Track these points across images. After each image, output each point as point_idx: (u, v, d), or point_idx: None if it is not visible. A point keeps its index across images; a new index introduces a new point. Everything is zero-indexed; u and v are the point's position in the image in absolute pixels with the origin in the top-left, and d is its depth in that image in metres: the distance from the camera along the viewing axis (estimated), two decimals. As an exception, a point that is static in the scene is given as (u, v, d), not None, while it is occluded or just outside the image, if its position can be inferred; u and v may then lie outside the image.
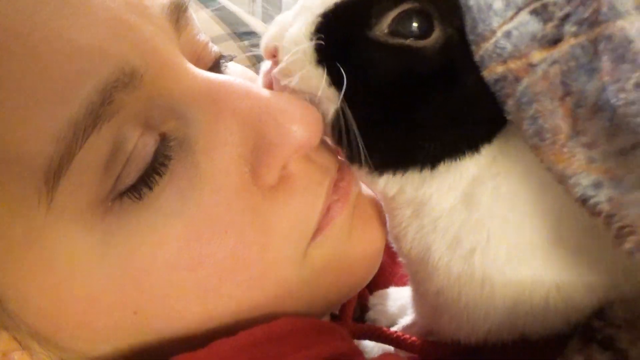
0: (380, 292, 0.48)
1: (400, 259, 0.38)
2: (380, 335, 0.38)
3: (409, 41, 0.28)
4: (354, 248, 0.34)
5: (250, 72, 0.40)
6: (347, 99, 0.29)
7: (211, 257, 0.29)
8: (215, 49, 0.36)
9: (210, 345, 0.28)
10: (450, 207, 0.30)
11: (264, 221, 0.30)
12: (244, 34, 0.77)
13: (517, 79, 0.25)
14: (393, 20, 0.28)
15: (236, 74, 0.37)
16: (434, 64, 0.28)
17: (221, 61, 0.36)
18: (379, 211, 0.37)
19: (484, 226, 0.30)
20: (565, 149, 0.24)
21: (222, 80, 0.31)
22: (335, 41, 0.30)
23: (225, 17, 0.78)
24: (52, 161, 0.25)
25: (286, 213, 0.31)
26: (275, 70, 0.31)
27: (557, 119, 0.24)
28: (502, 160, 0.30)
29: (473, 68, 0.28)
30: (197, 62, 0.33)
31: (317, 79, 0.30)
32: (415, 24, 0.28)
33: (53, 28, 0.25)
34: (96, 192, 0.27)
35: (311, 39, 0.30)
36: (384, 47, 0.29)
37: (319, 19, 0.30)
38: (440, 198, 0.31)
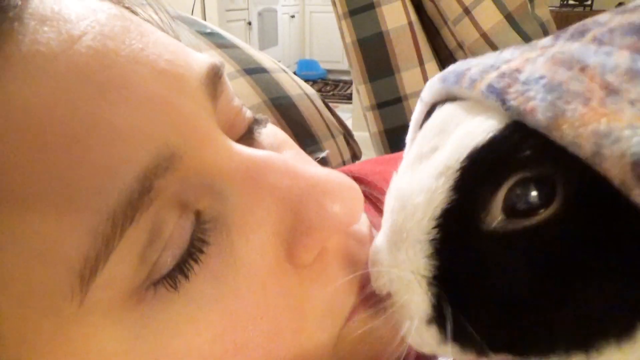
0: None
1: None
2: None
3: (529, 220, 0.22)
4: (387, 329, 0.32)
5: (280, 133, 0.38)
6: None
7: (245, 346, 0.27)
8: (248, 114, 0.35)
9: None
10: None
11: (298, 305, 0.29)
12: (253, 70, 0.77)
13: None
14: (505, 201, 0.22)
15: (267, 135, 0.36)
16: (566, 237, 0.22)
17: (254, 127, 0.34)
18: None
19: None
20: None
21: (261, 156, 0.30)
22: (450, 261, 0.24)
23: (235, 55, 0.78)
24: (89, 257, 0.23)
25: (321, 295, 0.29)
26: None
27: None
28: None
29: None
30: (231, 129, 0.32)
31: (432, 341, 0.25)
32: (531, 194, 0.22)
33: (93, 112, 0.24)
34: (131, 283, 0.25)
35: (430, 301, 0.25)
36: (506, 240, 0.23)
37: (432, 262, 0.25)
38: None
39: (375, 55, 1.07)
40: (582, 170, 0.21)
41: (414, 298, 0.25)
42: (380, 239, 0.28)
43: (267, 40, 4.58)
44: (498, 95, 0.23)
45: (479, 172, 0.23)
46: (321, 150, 0.79)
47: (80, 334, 0.24)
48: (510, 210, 0.23)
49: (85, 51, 0.25)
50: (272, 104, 0.76)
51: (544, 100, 0.21)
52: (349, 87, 4.62)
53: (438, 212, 0.24)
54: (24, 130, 0.23)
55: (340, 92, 4.66)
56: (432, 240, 0.24)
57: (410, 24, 1.05)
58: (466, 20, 1.06)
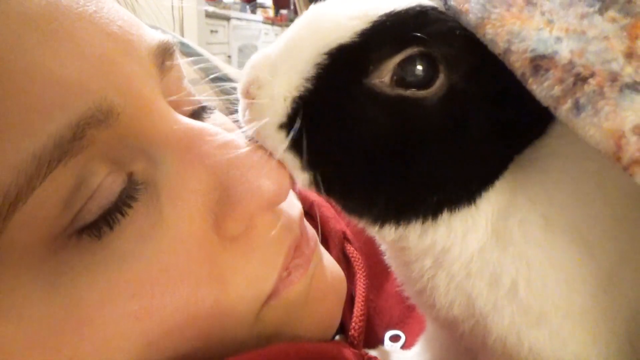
0: (382, 349, 0.44)
1: (428, 317, 0.35)
2: None
3: (410, 92, 0.26)
4: (307, 318, 0.33)
5: (228, 122, 0.39)
6: (327, 156, 0.27)
7: (162, 308, 0.27)
8: (197, 99, 0.36)
9: None
10: (480, 247, 0.28)
11: (221, 274, 0.29)
12: (218, 79, 0.78)
13: None
14: (397, 66, 0.26)
15: (214, 121, 0.36)
16: (434, 116, 0.26)
17: (201, 112, 0.36)
18: (340, 287, 0.36)
19: (522, 256, 0.27)
20: None
21: (199, 127, 0.31)
22: (323, 91, 0.27)
23: (200, 64, 0.79)
24: (9, 193, 0.23)
25: (244, 268, 0.30)
26: (240, 114, 0.29)
27: None
28: (522, 189, 0.28)
29: (483, 105, 0.26)
30: (177, 107, 0.33)
31: (276, 142, 0.28)
32: (419, 68, 0.26)
33: (35, 57, 0.24)
34: (52, 227, 0.25)
35: (292, 98, 0.27)
36: (380, 99, 0.26)
37: (306, 78, 0.27)
38: (464, 242, 0.28)
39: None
40: (472, 66, 0.25)
41: (275, 104, 0.27)
42: (273, 48, 0.29)
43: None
44: None
45: (389, 30, 0.26)
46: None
47: None
48: (397, 77, 0.26)
49: (37, 1, 0.25)
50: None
51: (477, 3, 0.25)
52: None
53: (335, 44, 0.26)
54: None
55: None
56: (317, 64, 0.27)
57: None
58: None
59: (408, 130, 0.26)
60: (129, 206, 0.27)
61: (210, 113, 0.37)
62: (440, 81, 0.26)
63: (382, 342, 0.45)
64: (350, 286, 0.43)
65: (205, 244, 0.29)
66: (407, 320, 0.45)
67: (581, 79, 0.22)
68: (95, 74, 0.26)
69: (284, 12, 5.45)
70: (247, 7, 5.05)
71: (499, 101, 0.27)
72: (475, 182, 0.28)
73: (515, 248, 0.27)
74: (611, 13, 0.23)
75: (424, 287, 0.30)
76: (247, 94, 0.28)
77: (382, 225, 0.29)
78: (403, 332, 0.45)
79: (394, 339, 0.44)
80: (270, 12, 5.34)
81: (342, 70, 0.27)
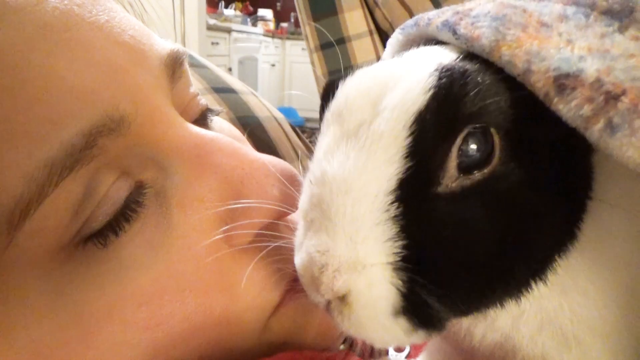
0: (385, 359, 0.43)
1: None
2: None
3: (478, 175, 0.22)
4: (314, 328, 0.33)
5: (235, 130, 0.40)
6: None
7: (170, 317, 0.27)
8: (202, 101, 0.36)
9: None
10: (534, 297, 0.25)
11: (229, 283, 0.29)
12: (222, 89, 0.78)
13: None
14: (459, 153, 0.22)
15: (222, 130, 0.37)
16: (509, 187, 0.23)
17: (208, 115, 0.36)
18: None
19: (581, 300, 0.25)
20: None
21: (210, 136, 0.31)
22: (415, 233, 0.22)
23: (204, 74, 0.79)
24: (20, 201, 0.23)
25: (252, 277, 0.30)
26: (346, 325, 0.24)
27: None
28: (592, 246, 0.25)
29: (543, 147, 0.23)
30: (183, 113, 0.33)
31: (402, 330, 0.23)
32: (473, 148, 0.22)
33: (48, 66, 0.25)
34: (60, 236, 0.25)
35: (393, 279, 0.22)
36: (461, 198, 0.22)
37: (399, 242, 0.22)
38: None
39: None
40: (516, 118, 0.23)
41: (378, 292, 0.22)
42: (324, 239, 0.23)
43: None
44: (450, 28, 0.26)
45: (431, 132, 0.22)
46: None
47: (1, 282, 0.24)
48: (463, 166, 0.22)
49: (51, 11, 0.26)
50: (238, 122, 0.77)
51: (489, 27, 0.24)
52: (326, 135, 4.67)
53: (393, 184, 0.22)
54: None
55: (317, 140, 4.72)
56: (394, 217, 0.22)
57: (379, 59, 1.09)
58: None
59: (496, 215, 0.23)
60: (134, 211, 0.27)
61: (214, 115, 0.37)
62: (497, 149, 0.23)
63: (386, 351, 0.44)
64: None
65: (215, 252, 0.29)
66: None
67: (613, 97, 0.21)
68: (108, 83, 0.26)
69: (284, 25, 5.50)
70: (248, 19, 5.10)
71: (554, 133, 0.24)
72: (562, 239, 0.25)
73: (576, 295, 0.25)
74: (632, 32, 0.22)
75: (457, 331, 0.28)
76: (344, 295, 0.23)
77: (484, 311, 0.25)
78: (407, 342, 0.44)
79: (398, 349, 0.44)
80: (271, 25, 5.38)
81: (418, 200, 0.22)
